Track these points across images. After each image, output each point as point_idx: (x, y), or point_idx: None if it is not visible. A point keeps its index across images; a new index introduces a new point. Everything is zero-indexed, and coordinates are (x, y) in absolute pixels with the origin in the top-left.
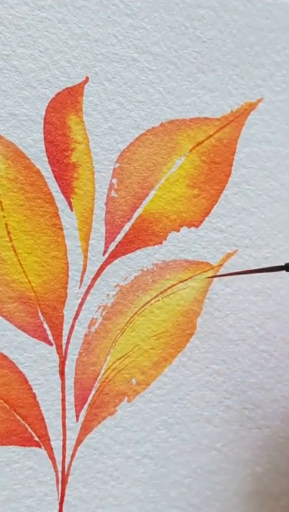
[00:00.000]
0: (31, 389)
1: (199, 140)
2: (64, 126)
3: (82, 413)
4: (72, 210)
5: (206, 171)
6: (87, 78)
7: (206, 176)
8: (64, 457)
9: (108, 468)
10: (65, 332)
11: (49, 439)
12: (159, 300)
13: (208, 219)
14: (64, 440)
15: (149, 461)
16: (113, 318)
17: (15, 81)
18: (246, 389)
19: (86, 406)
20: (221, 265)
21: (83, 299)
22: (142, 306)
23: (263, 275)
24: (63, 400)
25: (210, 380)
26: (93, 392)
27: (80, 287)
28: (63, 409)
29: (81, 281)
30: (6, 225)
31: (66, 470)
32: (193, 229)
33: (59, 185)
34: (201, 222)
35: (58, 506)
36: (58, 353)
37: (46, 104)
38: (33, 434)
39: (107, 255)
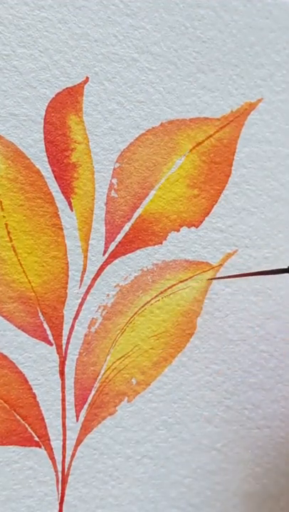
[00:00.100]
0: (31, 389)
1: (199, 140)
2: (64, 126)
3: (82, 413)
4: (72, 210)
5: (206, 171)
6: (87, 78)
7: (206, 176)
8: (64, 457)
9: (108, 468)
10: (65, 332)
11: (49, 439)
12: (159, 300)
13: (208, 219)
14: (64, 440)
15: (149, 461)
16: (113, 318)
17: (15, 81)
18: (246, 389)
19: (86, 406)
20: (221, 265)
21: (83, 299)
22: (142, 306)
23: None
24: (63, 400)
25: (210, 380)
26: (93, 392)
27: (80, 287)
28: (63, 409)
29: (81, 281)
30: (6, 225)
31: (66, 470)
32: (193, 229)
33: (59, 185)
34: (201, 222)
35: (57, 506)
36: (58, 353)
37: (46, 104)
38: (33, 434)
39: (107, 255)
